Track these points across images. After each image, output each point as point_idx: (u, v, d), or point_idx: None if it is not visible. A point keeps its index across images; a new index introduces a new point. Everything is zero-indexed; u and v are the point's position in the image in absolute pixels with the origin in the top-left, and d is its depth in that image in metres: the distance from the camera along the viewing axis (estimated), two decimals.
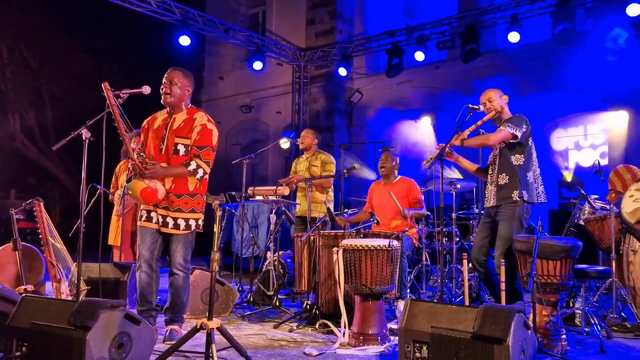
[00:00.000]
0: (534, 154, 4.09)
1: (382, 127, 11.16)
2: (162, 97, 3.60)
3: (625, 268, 4.40)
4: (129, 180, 3.67)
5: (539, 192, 4.04)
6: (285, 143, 7.07)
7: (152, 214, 3.62)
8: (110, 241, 5.20)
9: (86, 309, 2.65)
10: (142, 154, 3.63)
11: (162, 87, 3.60)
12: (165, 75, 3.64)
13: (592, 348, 3.57)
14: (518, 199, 3.93)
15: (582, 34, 8.46)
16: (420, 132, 10.38)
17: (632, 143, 8.53)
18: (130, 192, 3.53)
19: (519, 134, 3.93)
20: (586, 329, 3.97)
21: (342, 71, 10.59)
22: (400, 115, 11.02)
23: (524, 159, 4.00)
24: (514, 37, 8.52)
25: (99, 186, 3.95)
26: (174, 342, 3.10)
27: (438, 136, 9.88)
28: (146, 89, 3.48)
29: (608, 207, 4.84)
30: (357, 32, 11.86)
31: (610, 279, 4.25)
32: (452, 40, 9.42)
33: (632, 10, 7.52)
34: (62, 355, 2.63)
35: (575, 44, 8.35)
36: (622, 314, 4.29)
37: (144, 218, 3.66)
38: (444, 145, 4.06)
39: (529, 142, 4.04)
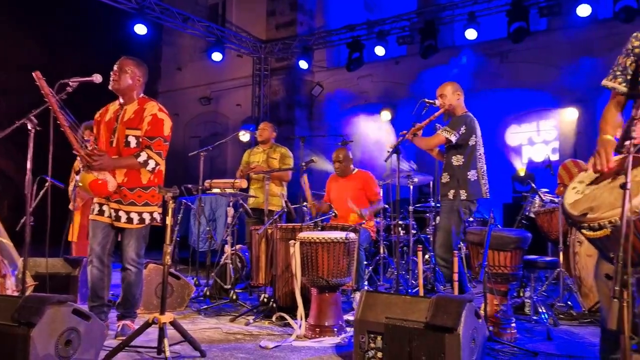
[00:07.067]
0: (479, 152, 4.20)
1: (342, 120, 11.20)
2: (110, 82, 3.52)
3: (571, 259, 4.58)
4: (78, 172, 3.56)
5: (486, 188, 4.19)
6: (244, 136, 7.01)
7: (105, 208, 3.52)
8: (70, 237, 5.05)
9: (31, 305, 2.55)
10: (95, 146, 3.53)
11: (111, 73, 3.52)
12: (116, 63, 3.55)
13: (539, 335, 3.71)
14: (452, 198, 4.10)
15: (535, 33, 8.71)
16: (380, 126, 10.46)
17: (581, 139, 8.85)
18: (80, 184, 3.42)
19: (453, 138, 4.08)
20: (535, 318, 4.11)
21: (303, 64, 10.56)
22: (360, 109, 11.07)
23: (464, 159, 4.14)
24: (471, 34, 8.69)
25: (48, 178, 3.81)
26: (125, 338, 3.03)
27: (397, 130, 9.99)
28: (97, 78, 3.38)
29: (557, 200, 5.02)
30: (318, 25, 11.84)
31: (557, 269, 4.41)
32: (412, 35, 9.54)
33: (582, 10, 7.79)
34: (5, 352, 2.53)
35: (529, 43, 8.60)
36: (569, 303, 4.46)
37: (95, 211, 3.56)
38: (405, 132, 4.17)
39: (470, 142, 4.14)
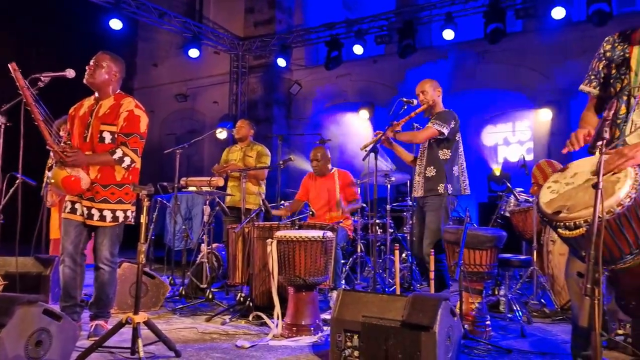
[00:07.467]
0: (461, 148, 4.25)
1: (321, 119, 11.21)
2: (85, 76, 3.46)
3: (545, 257, 4.66)
4: (50, 169, 3.48)
5: (465, 185, 4.22)
6: (221, 133, 6.95)
7: (77, 206, 3.45)
8: (52, 234, 4.95)
9: (0, 305, 2.48)
10: (68, 142, 3.46)
11: (87, 67, 3.46)
12: (93, 57, 3.49)
13: (514, 333, 3.76)
14: (443, 192, 4.10)
15: (511, 34, 8.83)
16: (358, 125, 10.51)
17: (554, 139, 9.01)
18: (52, 181, 3.34)
19: (445, 131, 4.08)
20: (509, 315, 4.17)
21: (281, 62, 10.52)
22: (338, 108, 11.11)
23: (450, 154, 4.16)
24: (448, 34, 8.76)
25: (18, 175, 3.72)
26: (98, 338, 2.97)
27: (375, 129, 10.03)
28: (70, 73, 3.30)
29: (531, 200, 5.10)
30: (297, 24, 11.80)
31: (531, 268, 4.48)
32: (390, 35, 9.58)
33: (557, 13, 7.93)
34: None
35: (505, 44, 8.71)
36: (542, 300, 4.54)
37: (68, 210, 3.48)
38: (381, 132, 4.16)
39: (456, 138, 4.19)
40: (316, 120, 11.38)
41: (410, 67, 9.66)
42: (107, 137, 3.42)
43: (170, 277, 5.68)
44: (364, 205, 6.33)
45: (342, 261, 5.00)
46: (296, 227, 4.16)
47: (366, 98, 10.84)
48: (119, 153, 3.38)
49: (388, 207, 5.88)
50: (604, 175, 1.88)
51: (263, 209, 4.54)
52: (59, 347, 2.65)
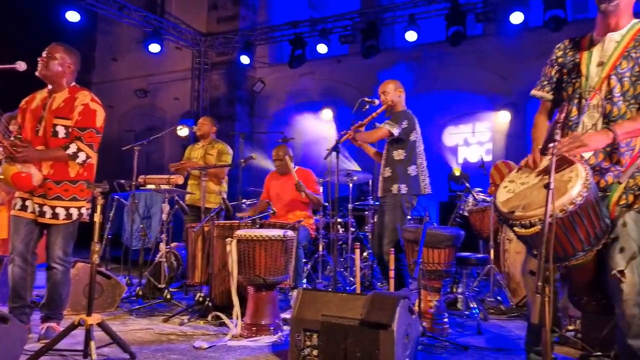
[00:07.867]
0: (419, 148, 4.29)
1: (284, 117, 11.16)
2: (37, 68, 3.34)
3: (501, 256, 4.78)
4: None
5: (425, 184, 4.26)
6: (181, 130, 6.83)
7: (28, 203, 3.32)
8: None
9: None
10: (19, 135, 3.32)
11: (39, 59, 3.34)
12: (45, 49, 3.37)
13: (471, 330, 3.84)
14: (397, 192, 4.15)
15: (472, 37, 9.01)
16: (321, 124, 10.52)
17: (511, 141, 9.25)
18: (1, 177, 3.21)
19: (396, 132, 4.14)
20: (466, 313, 4.26)
21: (245, 59, 10.41)
22: (302, 107, 11.08)
23: (405, 154, 4.21)
24: (411, 36, 8.86)
25: None
26: (49, 341, 2.86)
27: (338, 129, 10.07)
28: (21, 65, 3.17)
29: (489, 199, 5.22)
30: (261, 21, 11.71)
31: (488, 266, 4.58)
32: (354, 35, 9.62)
33: (515, 18, 8.13)
34: None
35: (465, 47, 8.88)
36: (498, 298, 4.65)
37: (18, 207, 3.35)
38: (345, 132, 4.19)
39: (411, 137, 4.23)
40: (279, 119, 11.32)
41: (374, 67, 9.73)
42: (61, 132, 3.30)
43: (127, 277, 5.54)
44: (326, 204, 6.34)
45: (304, 260, 4.99)
46: (257, 226, 4.13)
47: (330, 97, 10.85)
48: (73, 148, 3.27)
49: (350, 206, 5.90)
50: (556, 172, 1.94)
51: (224, 207, 4.48)
52: (5, 351, 2.55)
